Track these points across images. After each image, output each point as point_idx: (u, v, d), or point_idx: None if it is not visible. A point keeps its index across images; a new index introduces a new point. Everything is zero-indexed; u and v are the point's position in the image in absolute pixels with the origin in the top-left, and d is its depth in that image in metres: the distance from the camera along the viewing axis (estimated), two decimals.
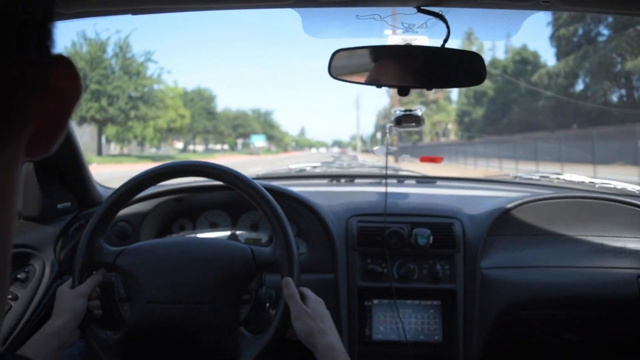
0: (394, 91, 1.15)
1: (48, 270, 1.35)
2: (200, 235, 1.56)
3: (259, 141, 64.99)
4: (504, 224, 1.51)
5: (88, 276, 1.05)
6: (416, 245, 1.41)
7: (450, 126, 47.71)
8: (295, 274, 1.02)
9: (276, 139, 79.32)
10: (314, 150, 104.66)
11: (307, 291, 1.04)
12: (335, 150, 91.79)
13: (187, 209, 1.57)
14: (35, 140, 0.32)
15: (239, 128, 62.16)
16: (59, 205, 1.46)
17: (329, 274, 1.41)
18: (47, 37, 0.31)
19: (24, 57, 0.28)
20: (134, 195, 1.13)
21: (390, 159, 1.59)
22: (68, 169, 1.44)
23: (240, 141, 66.94)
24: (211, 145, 62.66)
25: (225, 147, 65.30)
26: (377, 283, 1.42)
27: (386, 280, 1.42)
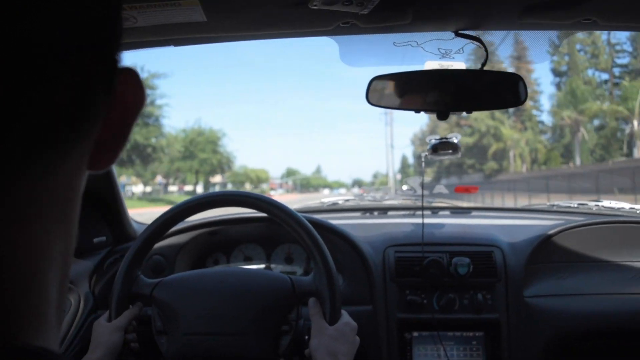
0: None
1: (83, 304, 1.34)
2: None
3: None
4: (545, 251, 1.46)
5: (125, 309, 1.04)
6: (456, 274, 1.37)
7: (636, 125, 25.37)
8: (337, 302, 1.00)
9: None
10: (326, 191, 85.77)
11: (344, 313, 1.03)
12: (356, 190, 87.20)
13: (221, 243, 1.56)
14: (98, 151, 0.31)
15: None
16: (95, 239, 1.46)
17: (367, 305, 1.37)
18: (117, 45, 0.31)
19: (98, 59, 0.29)
20: (171, 226, 1.12)
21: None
22: (105, 202, 1.45)
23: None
24: None
25: None
26: (417, 314, 1.37)
27: (426, 312, 1.37)
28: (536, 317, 1.37)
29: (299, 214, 1.07)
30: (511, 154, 34.72)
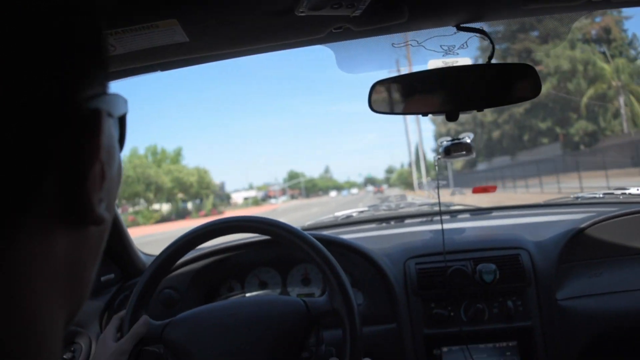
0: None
1: (94, 347, 1.28)
2: (249, 295, 1.48)
3: None
4: (576, 248, 1.37)
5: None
6: (482, 282, 1.29)
7: None
8: (356, 322, 0.93)
9: None
10: (333, 193, 77.81)
11: None
12: (370, 189, 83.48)
13: (234, 269, 1.49)
14: (66, 204, 0.27)
15: None
16: (102, 278, 1.41)
17: (390, 323, 1.30)
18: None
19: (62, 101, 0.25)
20: (176, 261, 1.07)
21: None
22: (109, 238, 1.39)
23: None
24: None
25: None
26: (444, 329, 1.29)
27: (454, 325, 1.29)
28: (572, 320, 1.28)
29: (304, 232, 1.01)
30: (621, 100, 19.55)
